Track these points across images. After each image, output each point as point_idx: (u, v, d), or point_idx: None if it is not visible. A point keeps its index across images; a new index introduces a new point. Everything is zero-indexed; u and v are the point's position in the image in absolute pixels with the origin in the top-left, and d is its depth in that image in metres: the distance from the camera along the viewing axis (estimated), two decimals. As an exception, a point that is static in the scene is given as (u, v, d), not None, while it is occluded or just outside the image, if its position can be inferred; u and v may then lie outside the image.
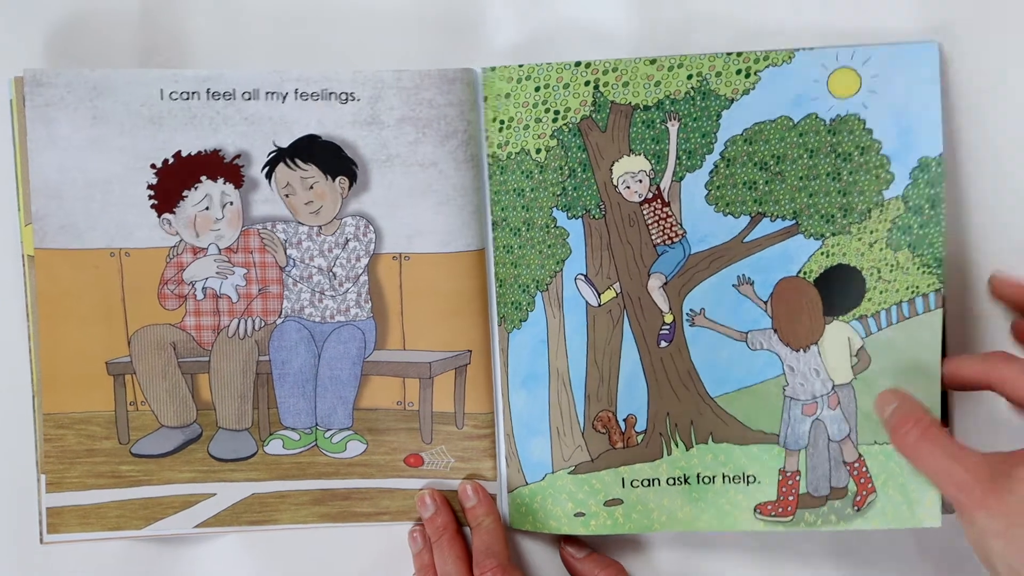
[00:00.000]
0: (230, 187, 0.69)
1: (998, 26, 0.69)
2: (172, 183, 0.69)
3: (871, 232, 0.68)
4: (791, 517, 0.69)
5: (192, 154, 0.69)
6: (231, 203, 0.69)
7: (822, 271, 0.68)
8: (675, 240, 0.69)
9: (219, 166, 0.69)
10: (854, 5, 0.69)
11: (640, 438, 0.70)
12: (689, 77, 0.68)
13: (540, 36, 0.71)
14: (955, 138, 0.69)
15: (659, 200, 0.69)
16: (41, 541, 0.69)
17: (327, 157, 0.69)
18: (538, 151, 0.69)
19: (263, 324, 0.71)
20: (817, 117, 0.68)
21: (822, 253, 0.68)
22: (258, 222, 0.70)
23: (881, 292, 0.68)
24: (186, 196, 0.69)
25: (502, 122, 0.69)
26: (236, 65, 0.70)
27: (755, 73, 0.68)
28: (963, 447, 0.60)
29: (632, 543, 0.72)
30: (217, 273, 0.70)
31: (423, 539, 0.71)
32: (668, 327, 0.70)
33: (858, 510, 0.69)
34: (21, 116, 0.68)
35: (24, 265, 0.69)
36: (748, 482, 0.69)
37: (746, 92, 0.68)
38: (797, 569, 0.72)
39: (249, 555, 0.72)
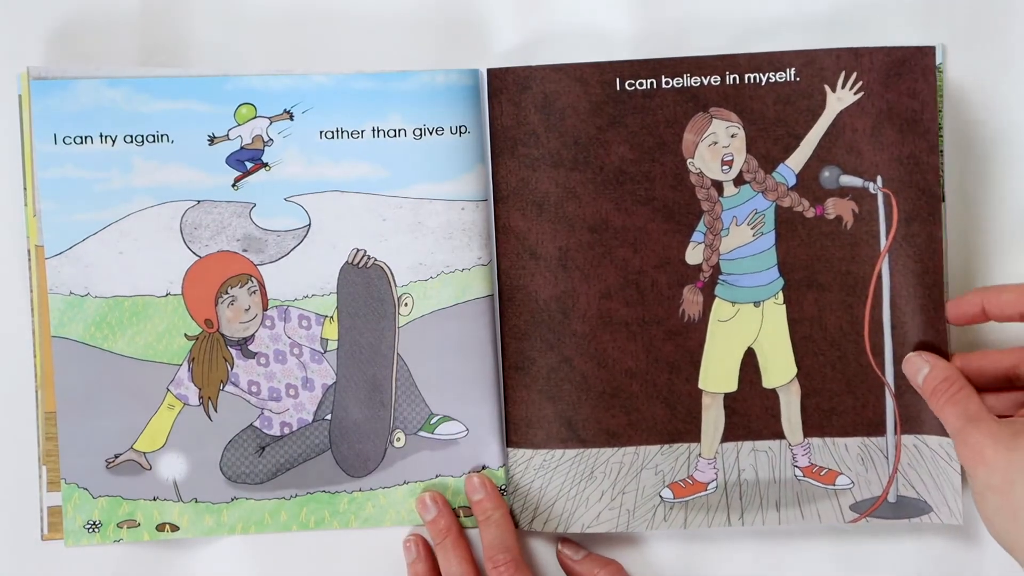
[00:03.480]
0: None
1: (998, 30, 0.70)
2: None
3: None
4: None
5: None
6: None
7: None
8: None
9: None
10: (856, 7, 0.70)
11: None
12: None
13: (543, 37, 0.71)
14: (954, 141, 0.70)
15: None
16: (42, 538, 0.69)
17: None
18: None
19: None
20: None
21: None
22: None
23: None
24: None
25: None
26: (236, 65, 0.70)
27: None
28: (984, 412, 0.62)
29: (630, 542, 0.72)
30: None
31: (418, 548, 0.70)
32: None
33: None
34: (29, 110, 0.67)
35: (30, 258, 0.68)
36: None
37: None
38: (797, 569, 0.72)
39: (250, 557, 0.72)
